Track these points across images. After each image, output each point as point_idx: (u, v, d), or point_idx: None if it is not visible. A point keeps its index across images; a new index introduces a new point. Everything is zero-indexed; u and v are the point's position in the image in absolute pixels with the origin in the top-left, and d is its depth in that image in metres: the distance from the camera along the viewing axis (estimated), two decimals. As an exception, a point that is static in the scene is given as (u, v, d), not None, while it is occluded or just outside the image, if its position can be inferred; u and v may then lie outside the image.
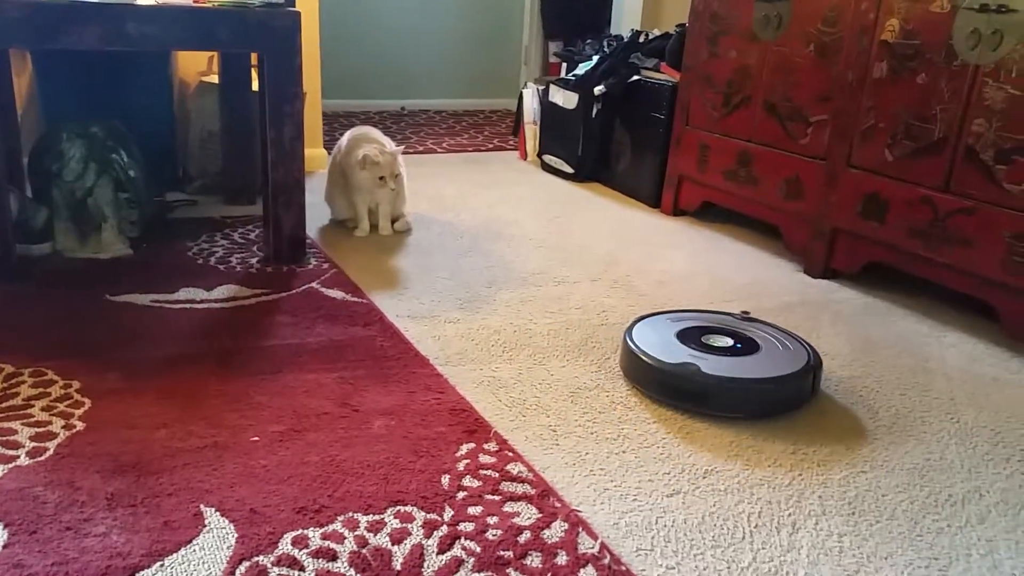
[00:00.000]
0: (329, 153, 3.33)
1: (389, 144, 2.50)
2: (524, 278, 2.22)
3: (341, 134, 2.68)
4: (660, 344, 1.64)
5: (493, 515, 1.22)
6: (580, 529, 1.20)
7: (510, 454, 1.38)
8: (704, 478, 1.35)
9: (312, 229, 2.48)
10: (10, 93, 2.39)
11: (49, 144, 2.22)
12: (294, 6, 2.19)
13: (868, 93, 2.16)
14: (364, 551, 1.13)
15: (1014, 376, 1.78)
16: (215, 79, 2.83)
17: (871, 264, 2.22)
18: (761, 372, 1.57)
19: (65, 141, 2.19)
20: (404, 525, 1.19)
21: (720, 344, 1.66)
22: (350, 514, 1.20)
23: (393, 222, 2.57)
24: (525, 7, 5.26)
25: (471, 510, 1.23)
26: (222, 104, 2.77)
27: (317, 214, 2.65)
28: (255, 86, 2.64)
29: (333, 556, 1.12)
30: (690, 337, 1.67)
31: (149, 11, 1.90)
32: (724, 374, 1.54)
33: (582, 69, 3.36)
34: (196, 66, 3.00)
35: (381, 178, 2.36)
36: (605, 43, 3.46)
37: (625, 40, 3.34)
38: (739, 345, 1.66)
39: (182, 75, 3.00)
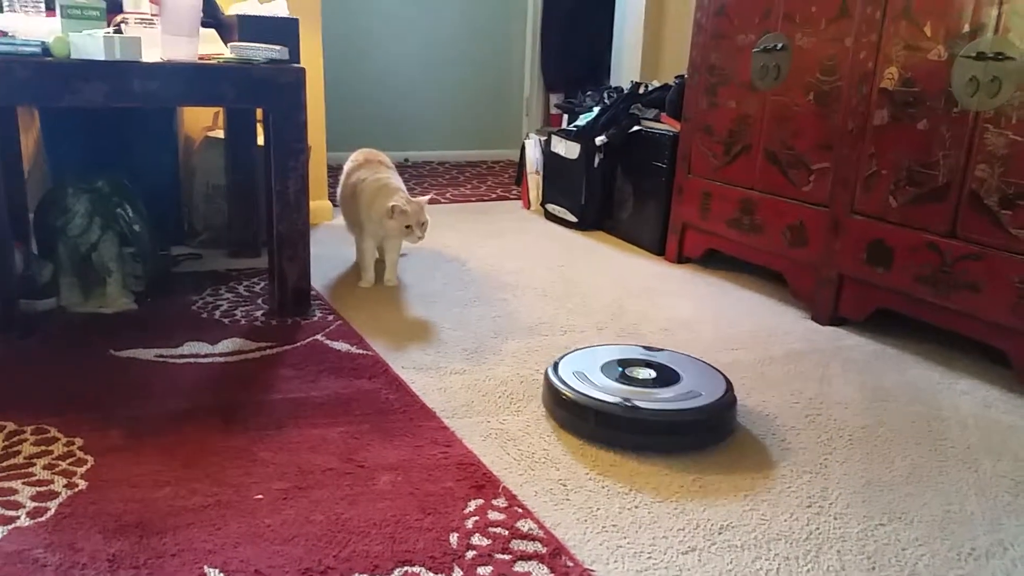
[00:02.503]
0: (335, 204, 3.35)
1: (390, 165, 2.64)
2: (530, 327, 2.21)
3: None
4: (591, 382, 1.66)
5: (504, 575, 1.18)
6: (594, 588, 1.16)
7: (519, 510, 1.35)
8: (720, 534, 1.31)
9: (317, 281, 2.48)
10: (16, 149, 2.41)
11: (54, 199, 2.23)
12: (298, 62, 2.22)
13: (869, 140, 2.17)
14: (372, 614, 1.10)
15: (1029, 423, 1.75)
16: (220, 134, 2.86)
17: (879, 311, 2.21)
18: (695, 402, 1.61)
19: (70, 196, 2.20)
20: (413, 586, 1.15)
21: (644, 376, 1.71)
22: (356, 575, 1.17)
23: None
24: (526, 60, 5.34)
25: (481, 570, 1.19)
26: (227, 158, 2.79)
27: (322, 266, 2.65)
28: (260, 140, 2.66)
29: (340, 620, 1.08)
30: (612, 371, 1.72)
31: (154, 68, 1.92)
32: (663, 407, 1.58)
33: (583, 120, 3.40)
34: (201, 121, 3.03)
35: (408, 227, 2.36)
36: (605, 94, 3.50)
37: (625, 91, 3.38)
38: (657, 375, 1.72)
39: (187, 130, 3.03)
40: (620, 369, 1.72)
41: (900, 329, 2.26)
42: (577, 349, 1.85)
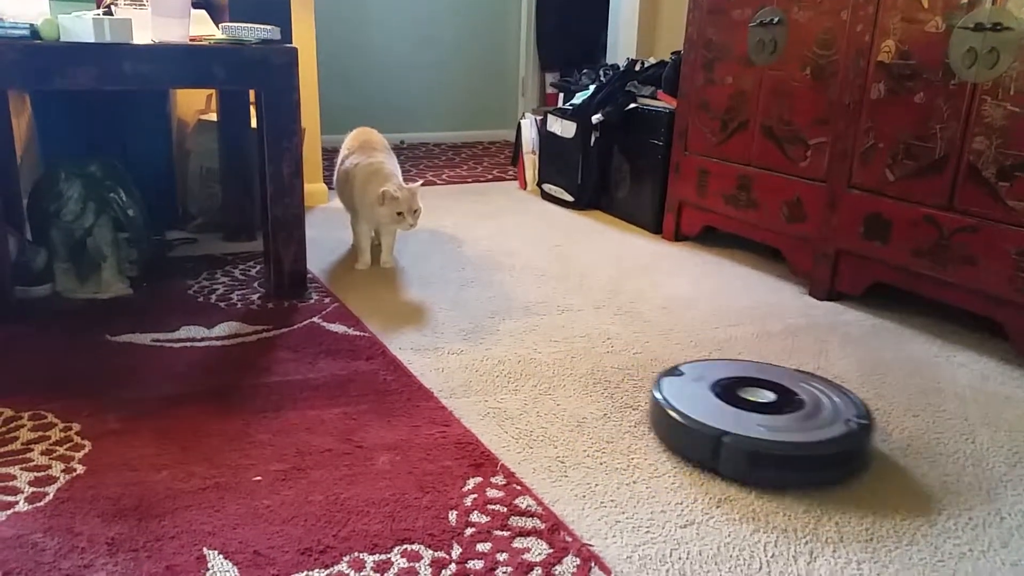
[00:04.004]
0: (330, 187, 3.33)
1: (385, 147, 2.62)
2: (527, 307, 2.20)
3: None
4: (701, 405, 1.48)
5: (503, 552, 1.19)
6: (592, 564, 1.17)
7: (518, 487, 1.35)
8: (718, 507, 1.32)
9: (313, 264, 2.47)
10: (9, 134, 2.39)
11: (47, 185, 2.21)
12: (291, 43, 2.20)
13: (866, 114, 2.16)
14: (371, 592, 1.10)
15: (1027, 395, 1.75)
16: (214, 117, 2.84)
17: (877, 285, 2.21)
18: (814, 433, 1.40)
19: (63, 181, 2.19)
20: (411, 564, 1.16)
21: (761, 399, 1.51)
22: (356, 554, 1.17)
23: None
24: (521, 39, 5.30)
25: (480, 547, 1.20)
26: (221, 142, 2.77)
27: (318, 249, 2.64)
28: (254, 123, 2.64)
29: (339, 598, 1.09)
30: (728, 393, 1.52)
31: (146, 50, 1.91)
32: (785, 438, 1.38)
33: (579, 98, 3.38)
34: (195, 104, 3.01)
35: (399, 213, 2.34)
36: (601, 72, 3.48)
37: (621, 69, 3.35)
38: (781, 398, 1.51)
39: (181, 114, 3.01)
40: (734, 391, 1.53)
41: (898, 303, 2.26)
42: (677, 368, 1.64)
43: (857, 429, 1.41)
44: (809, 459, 1.37)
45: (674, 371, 1.63)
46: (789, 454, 1.37)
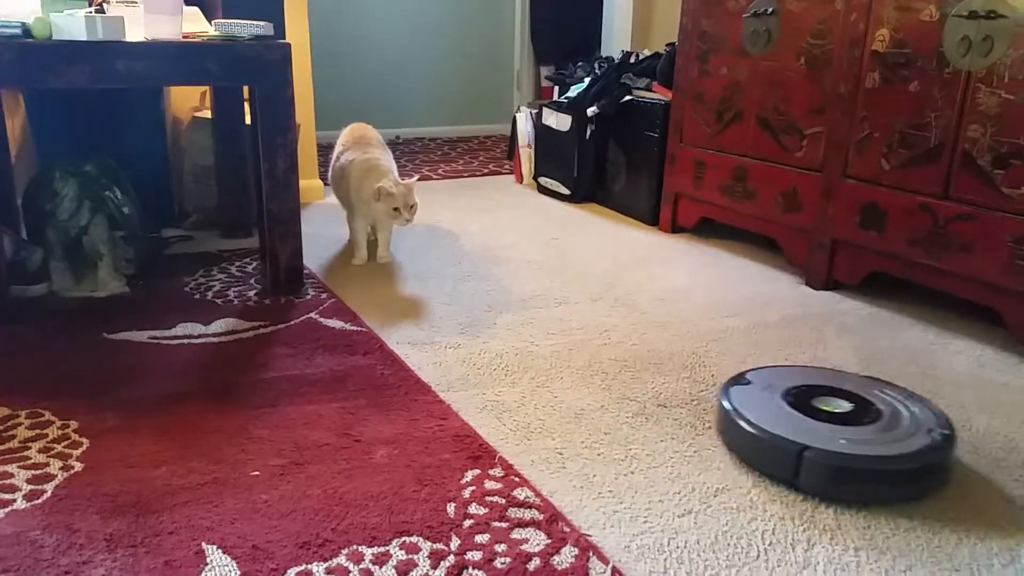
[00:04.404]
0: (326, 184, 3.33)
1: (381, 142, 2.60)
2: (524, 300, 2.20)
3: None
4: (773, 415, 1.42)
5: (501, 543, 1.19)
6: (591, 554, 1.17)
7: (516, 479, 1.35)
8: (715, 497, 1.32)
9: (310, 260, 2.47)
10: (3, 134, 2.38)
11: (42, 183, 2.21)
12: (284, 38, 2.19)
13: (861, 103, 2.16)
14: (370, 585, 1.10)
15: (1023, 381, 1.76)
16: (208, 114, 2.84)
17: (873, 274, 2.21)
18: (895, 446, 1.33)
19: (58, 180, 2.19)
20: (410, 556, 1.16)
21: (837, 409, 1.44)
22: (354, 547, 1.17)
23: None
24: (516, 33, 5.30)
25: (478, 538, 1.20)
26: (216, 139, 2.77)
27: (314, 245, 2.64)
28: (248, 119, 2.64)
29: (338, 591, 1.09)
30: (800, 402, 1.46)
31: (139, 48, 1.90)
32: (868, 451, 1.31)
33: (574, 91, 3.37)
34: (189, 102, 3.01)
35: (396, 209, 2.34)
36: (596, 65, 3.47)
37: (616, 61, 3.35)
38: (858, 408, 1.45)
39: (175, 111, 3.00)
40: (807, 400, 1.46)
41: (895, 292, 2.26)
42: (743, 376, 1.57)
43: (941, 440, 1.35)
44: (896, 474, 1.30)
45: (740, 379, 1.55)
46: (875, 468, 1.29)
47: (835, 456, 1.30)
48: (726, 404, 1.46)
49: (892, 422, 1.40)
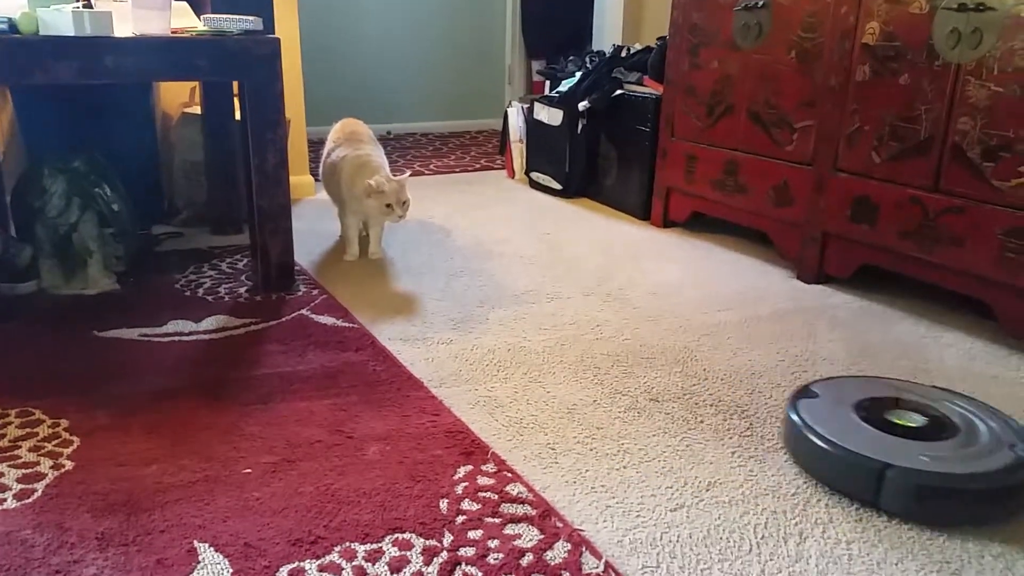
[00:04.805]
0: (316, 180, 3.32)
1: (372, 138, 2.60)
2: (516, 296, 2.20)
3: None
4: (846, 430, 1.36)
5: (494, 538, 1.19)
6: (584, 549, 1.17)
7: (509, 475, 1.35)
8: (708, 491, 1.32)
9: (301, 256, 2.46)
10: (-9, 132, 2.37)
11: (31, 180, 2.20)
12: (274, 33, 2.18)
13: (852, 97, 2.16)
14: (363, 581, 1.10)
15: (1013, 373, 1.77)
16: (198, 110, 2.82)
17: (865, 267, 2.21)
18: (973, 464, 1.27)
19: (47, 177, 2.17)
20: (403, 553, 1.16)
21: (912, 423, 1.39)
22: (347, 544, 1.17)
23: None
24: (507, 27, 5.28)
25: (471, 534, 1.20)
26: (205, 135, 2.75)
27: (306, 241, 2.63)
28: (238, 115, 2.62)
29: (331, 588, 1.09)
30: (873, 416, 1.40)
31: (127, 43, 1.89)
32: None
33: (565, 86, 3.37)
34: (178, 98, 2.99)
35: (388, 205, 2.33)
36: (587, 59, 3.47)
37: (607, 55, 3.34)
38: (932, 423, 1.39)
39: (164, 107, 2.98)
40: (880, 414, 1.41)
41: (886, 285, 2.27)
42: (809, 389, 1.50)
43: None
44: (982, 493, 1.24)
45: (807, 392, 1.49)
46: (960, 487, 1.23)
47: (920, 475, 1.24)
48: (795, 418, 1.40)
49: (970, 436, 1.34)
